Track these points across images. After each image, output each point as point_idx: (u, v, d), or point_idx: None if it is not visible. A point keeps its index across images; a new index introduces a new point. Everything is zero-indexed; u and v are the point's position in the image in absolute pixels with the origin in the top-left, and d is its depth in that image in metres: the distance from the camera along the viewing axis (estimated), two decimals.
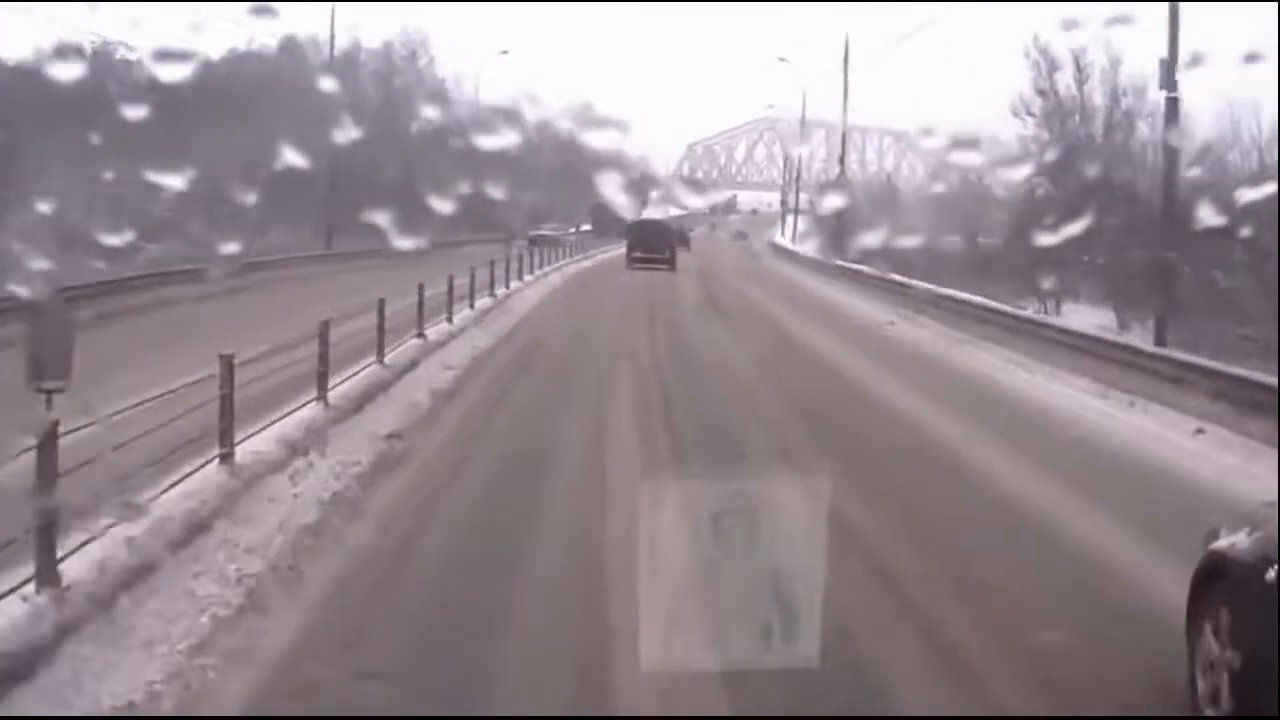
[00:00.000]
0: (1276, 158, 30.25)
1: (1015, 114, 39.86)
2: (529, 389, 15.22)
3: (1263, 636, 4.80)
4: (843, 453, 11.34)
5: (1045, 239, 33.27)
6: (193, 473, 8.52)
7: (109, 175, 26.88)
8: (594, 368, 17.04)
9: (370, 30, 73.16)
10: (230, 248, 22.60)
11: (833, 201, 49.77)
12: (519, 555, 7.75)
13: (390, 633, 6.30)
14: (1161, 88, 20.41)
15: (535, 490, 9.63)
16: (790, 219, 74.21)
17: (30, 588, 5.92)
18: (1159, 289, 20.61)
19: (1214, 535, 5.63)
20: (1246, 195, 17.98)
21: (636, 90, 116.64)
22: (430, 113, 50.83)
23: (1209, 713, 5.22)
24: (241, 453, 9.26)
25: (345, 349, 13.29)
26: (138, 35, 45.82)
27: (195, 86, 26.56)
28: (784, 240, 66.97)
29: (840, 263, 37.61)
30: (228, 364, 9.19)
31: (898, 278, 33.00)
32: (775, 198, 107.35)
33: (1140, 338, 21.44)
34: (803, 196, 74.72)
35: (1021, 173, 34.69)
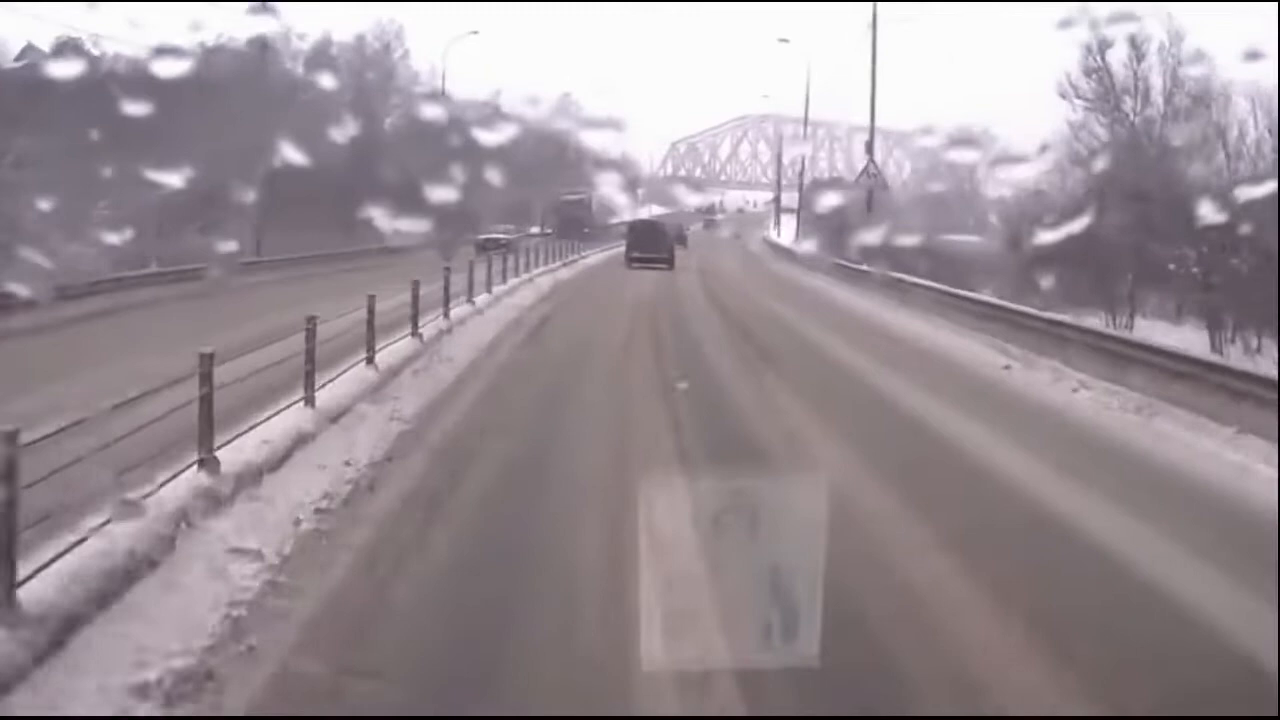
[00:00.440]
0: (1277, 158, 28.28)
1: (1063, 96, 34.68)
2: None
3: None
4: None
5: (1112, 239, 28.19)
6: None
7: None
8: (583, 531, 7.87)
9: (345, 23, 69.89)
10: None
11: (830, 200, 44.32)
12: None
13: None
14: None
15: None
16: (783, 217, 72.58)
17: None
18: None
19: None
20: None
21: (619, 88, 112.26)
22: (395, 112, 47.85)
23: None
24: None
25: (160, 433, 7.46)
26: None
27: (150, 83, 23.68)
28: (780, 239, 64.24)
29: (860, 265, 32.11)
30: None
31: (946, 288, 27.70)
32: (761, 196, 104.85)
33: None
34: (793, 195, 72.93)
35: (1028, 170, 31.43)
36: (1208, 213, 23.54)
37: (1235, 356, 21.86)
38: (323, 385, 10.86)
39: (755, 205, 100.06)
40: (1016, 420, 12.91)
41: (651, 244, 41.60)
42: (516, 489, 8.94)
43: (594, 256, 46.48)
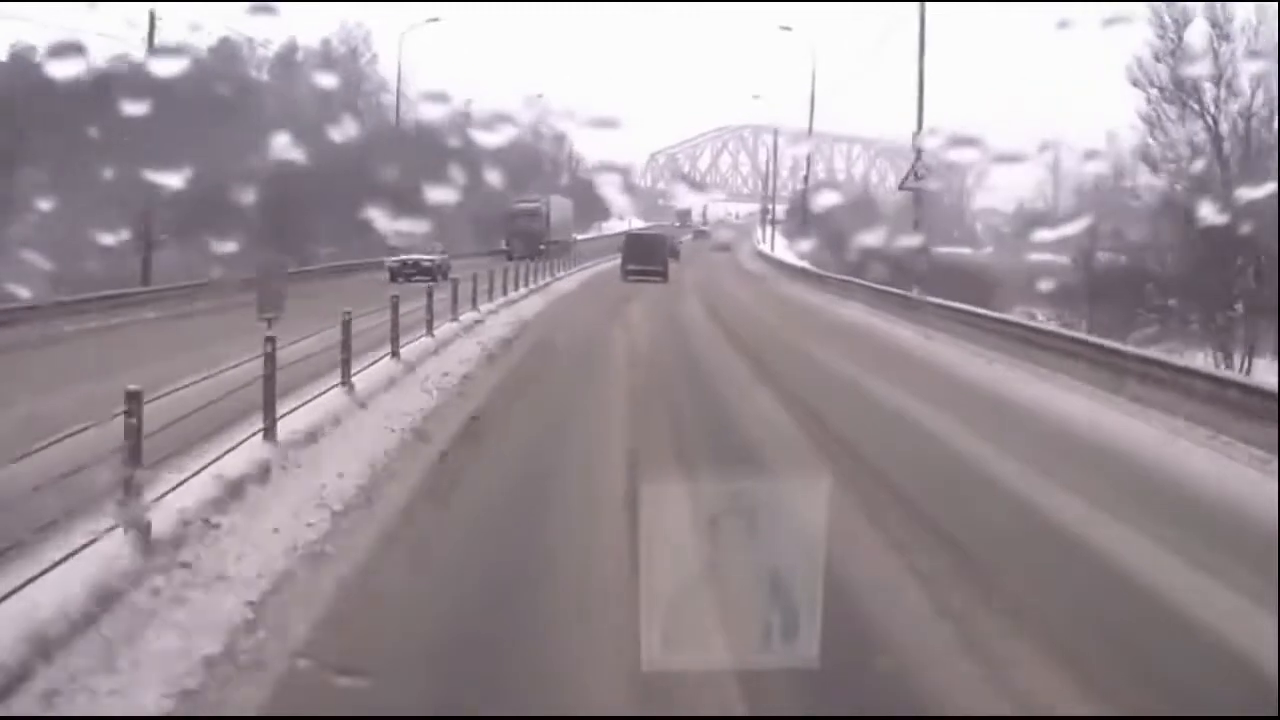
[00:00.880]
0: (1277, 155, 26.35)
1: (1135, 84, 28.96)
2: None
3: None
4: None
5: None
6: None
7: None
8: None
9: (312, 28, 66.40)
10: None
11: (828, 206, 38.88)
12: None
13: None
14: None
15: None
16: (769, 227, 71.00)
17: None
18: None
19: None
20: None
21: (596, 102, 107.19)
22: (351, 123, 41.93)
23: None
24: None
25: None
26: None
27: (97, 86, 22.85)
28: (775, 251, 60.71)
29: (902, 290, 26.18)
30: None
31: (1020, 320, 22.13)
32: (742, 207, 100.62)
33: None
34: (779, 207, 72.58)
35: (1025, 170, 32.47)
36: None
37: None
38: None
39: (737, 216, 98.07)
40: None
41: (646, 257, 40.87)
42: None
43: (566, 281, 38.62)
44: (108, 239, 23.84)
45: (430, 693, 5.00)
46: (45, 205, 24.09)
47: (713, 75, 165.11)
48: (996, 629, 5.80)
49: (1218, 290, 23.59)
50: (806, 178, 50.41)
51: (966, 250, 57.57)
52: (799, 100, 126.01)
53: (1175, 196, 26.77)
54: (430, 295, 16.67)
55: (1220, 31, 28.48)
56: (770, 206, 78.60)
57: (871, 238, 43.19)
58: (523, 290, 29.38)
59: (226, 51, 38.68)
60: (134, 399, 6.21)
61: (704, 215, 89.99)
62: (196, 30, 38.55)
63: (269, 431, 8.54)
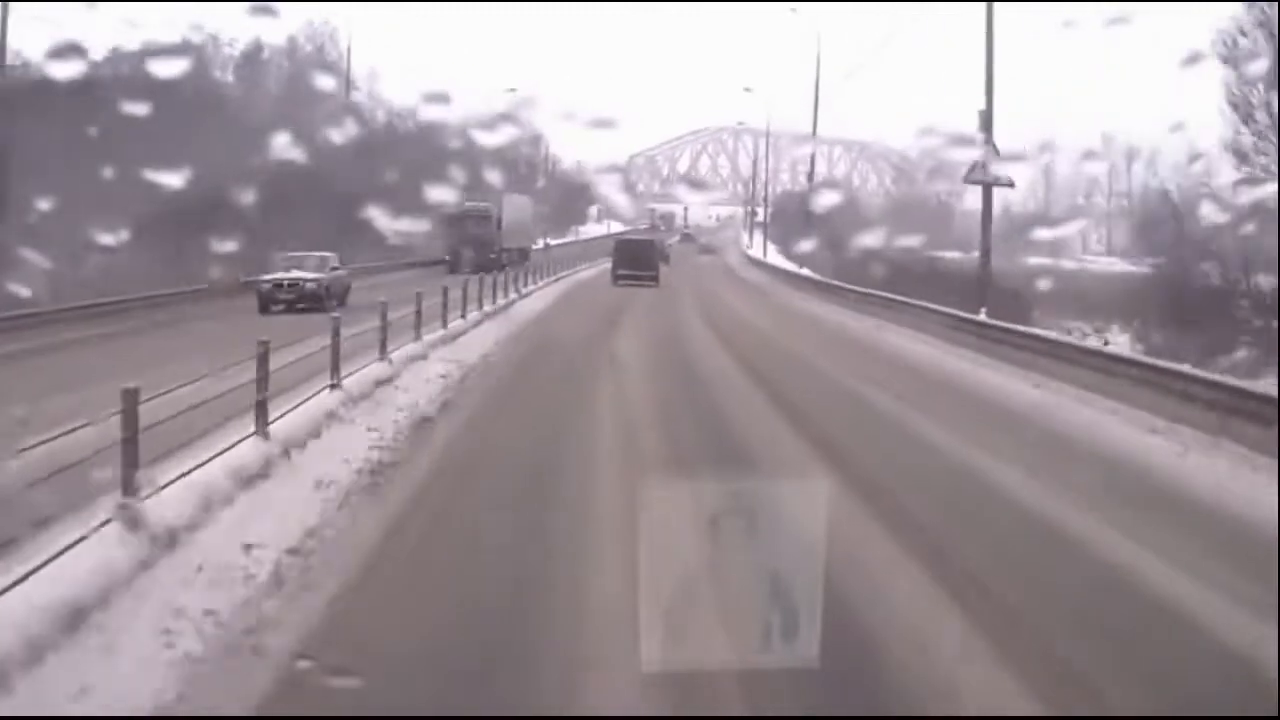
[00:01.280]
0: (1277, 158, 24.79)
1: (1226, 62, 23.53)
2: None
3: None
4: None
5: None
6: None
7: None
8: None
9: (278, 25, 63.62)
10: None
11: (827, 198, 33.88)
12: None
13: None
14: None
15: None
16: (756, 231, 69.58)
17: None
18: None
19: None
20: None
21: (579, 101, 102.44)
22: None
23: None
24: None
25: None
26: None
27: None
28: (767, 256, 56.92)
29: (966, 312, 19.85)
30: None
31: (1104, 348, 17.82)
32: (722, 210, 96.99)
33: None
34: (765, 209, 70.87)
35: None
36: None
37: None
38: None
39: (718, 218, 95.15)
40: None
41: (638, 262, 39.73)
42: None
43: (534, 299, 30.31)
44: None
45: (429, 694, 4.82)
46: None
47: (693, 75, 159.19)
48: None
49: None
50: (811, 174, 45.55)
51: (957, 254, 53.37)
52: (786, 102, 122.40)
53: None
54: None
55: None
56: (755, 209, 74.96)
57: (872, 239, 37.71)
58: (473, 315, 21.63)
59: (190, 52, 36.93)
60: None
61: (685, 218, 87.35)
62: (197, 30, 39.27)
63: None
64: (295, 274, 23.87)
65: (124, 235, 19.67)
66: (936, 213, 68.09)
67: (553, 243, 56.65)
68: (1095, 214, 68.08)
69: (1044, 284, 28.70)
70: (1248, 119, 25.80)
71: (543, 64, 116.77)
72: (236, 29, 42.32)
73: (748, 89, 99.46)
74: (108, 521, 6.00)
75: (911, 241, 36.28)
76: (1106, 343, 20.51)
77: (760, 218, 72.00)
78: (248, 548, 6.33)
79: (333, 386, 11.04)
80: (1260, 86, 25.37)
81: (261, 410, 8.63)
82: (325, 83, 46.40)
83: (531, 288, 32.58)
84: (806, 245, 43.91)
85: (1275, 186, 20.57)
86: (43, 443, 6.85)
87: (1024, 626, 5.87)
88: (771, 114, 78.11)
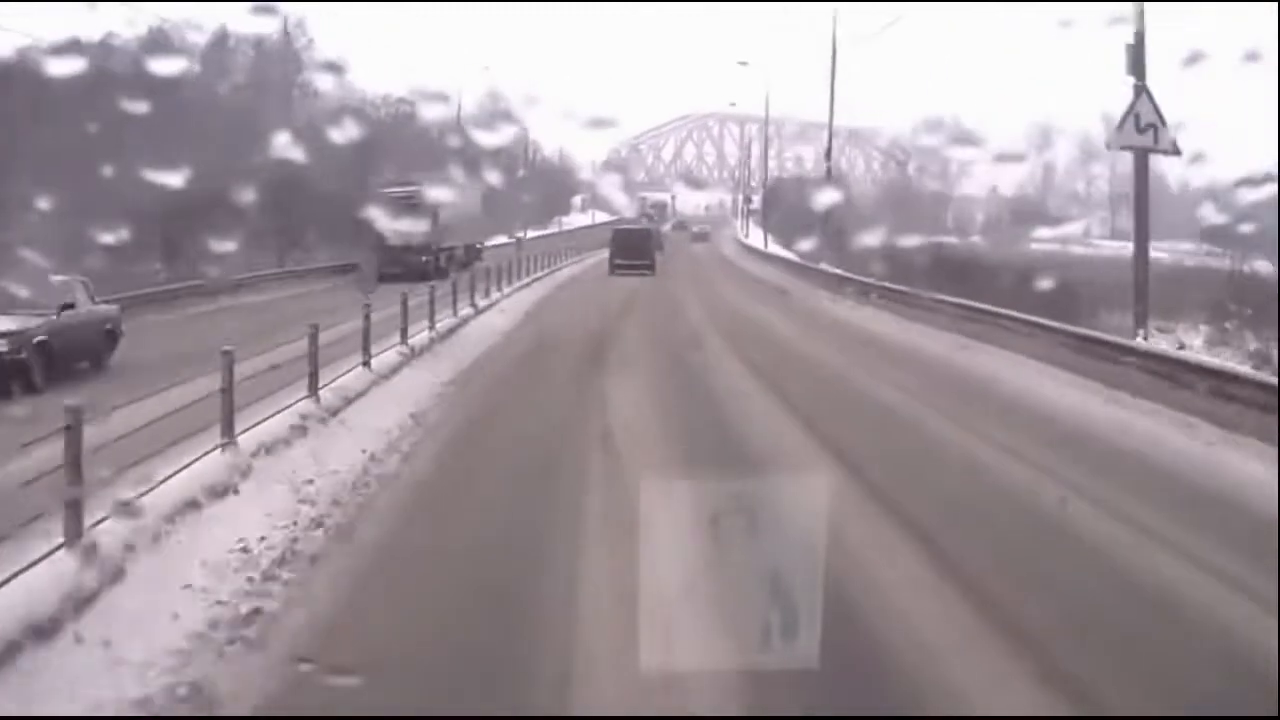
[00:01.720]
0: (1277, 158, 25.17)
1: None
2: None
3: None
4: None
5: None
6: None
7: None
8: None
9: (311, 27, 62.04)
10: None
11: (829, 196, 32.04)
12: None
13: None
14: None
15: None
16: (748, 219, 69.47)
17: None
18: None
19: None
20: None
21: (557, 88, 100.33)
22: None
23: None
24: None
25: None
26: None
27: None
28: (765, 246, 56.01)
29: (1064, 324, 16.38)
30: None
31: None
32: (710, 198, 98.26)
33: None
34: (754, 196, 71.56)
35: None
36: None
37: None
38: None
39: (706, 207, 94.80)
40: None
41: (634, 251, 40.84)
42: None
43: (493, 313, 24.09)
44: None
45: (429, 693, 4.95)
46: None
47: (677, 62, 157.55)
48: None
49: None
50: (828, 152, 42.66)
51: (954, 240, 52.09)
52: (774, 87, 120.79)
53: None
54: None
55: None
56: (750, 197, 73.91)
57: (877, 232, 35.56)
58: (390, 355, 14.98)
59: (160, 41, 36.96)
60: None
61: (673, 206, 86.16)
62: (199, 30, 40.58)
63: None
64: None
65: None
66: (930, 199, 66.90)
67: (529, 235, 52.49)
68: (1093, 203, 66.66)
69: (1076, 276, 25.01)
70: None
71: (519, 49, 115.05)
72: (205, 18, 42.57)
73: (743, 63, 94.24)
74: None
75: (914, 235, 33.52)
76: (1181, 346, 17.60)
77: (754, 205, 70.85)
78: None
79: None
80: None
81: None
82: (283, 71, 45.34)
83: (496, 296, 26.98)
84: (812, 236, 39.72)
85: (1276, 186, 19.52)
86: None
87: None
88: (764, 97, 75.93)
